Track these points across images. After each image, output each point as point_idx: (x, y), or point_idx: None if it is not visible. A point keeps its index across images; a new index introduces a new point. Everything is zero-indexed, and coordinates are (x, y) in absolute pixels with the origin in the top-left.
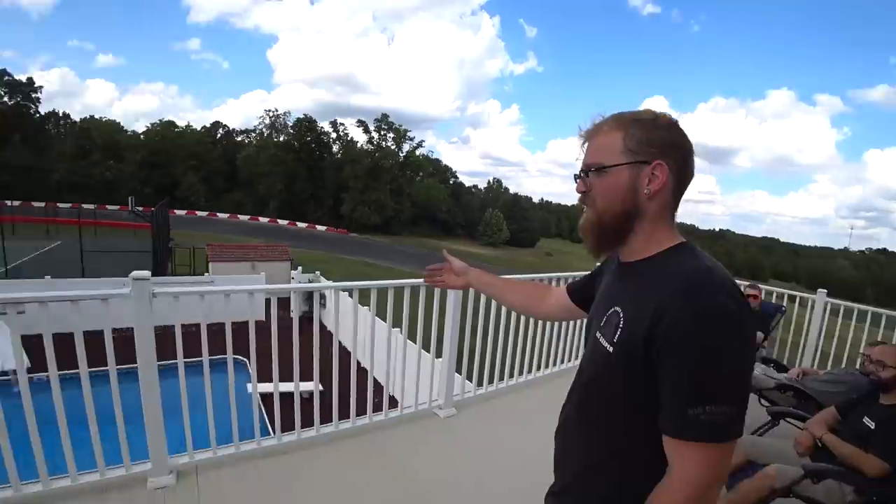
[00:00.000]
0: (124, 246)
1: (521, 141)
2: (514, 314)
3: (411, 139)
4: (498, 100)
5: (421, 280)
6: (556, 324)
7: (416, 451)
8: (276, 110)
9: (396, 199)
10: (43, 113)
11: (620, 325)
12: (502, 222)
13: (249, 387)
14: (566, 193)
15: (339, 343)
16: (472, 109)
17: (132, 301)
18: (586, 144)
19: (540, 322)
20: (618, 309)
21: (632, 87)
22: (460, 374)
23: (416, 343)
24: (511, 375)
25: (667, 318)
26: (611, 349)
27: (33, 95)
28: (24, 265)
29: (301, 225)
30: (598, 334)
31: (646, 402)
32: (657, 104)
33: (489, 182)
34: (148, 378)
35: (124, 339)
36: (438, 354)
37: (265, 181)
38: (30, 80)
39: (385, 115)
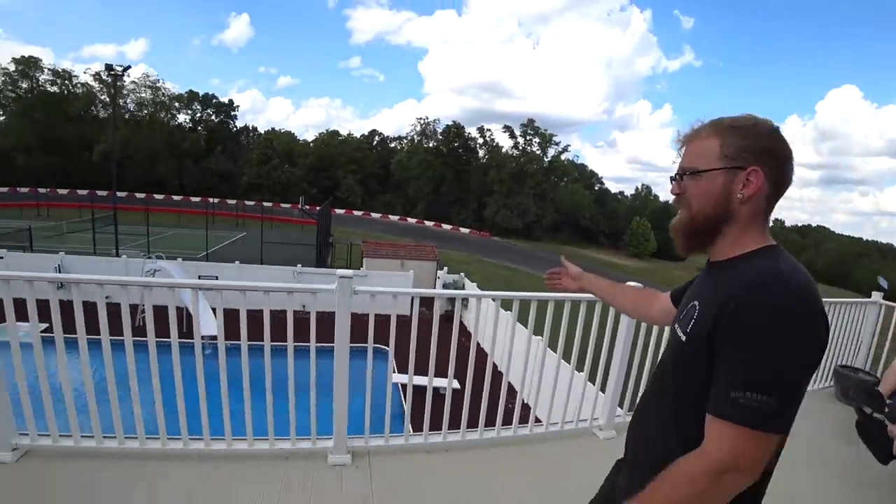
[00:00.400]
0: (294, 239)
1: (673, 144)
2: None
3: (557, 144)
4: (649, 100)
5: (583, 295)
6: None
7: (573, 469)
8: (427, 118)
9: (539, 204)
10: (238, 127)
11: (694, 317)
12: (650, 232)
13: (393, 377)
14: None
15: (478, 344)
16: (619, 111)
17: (335, 294)
18: (684, 148)
19: None
20: (696, 303)
21: (812, 75)
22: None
23: (556, 354)
24: None
25: (729, 310)
26: (684, 338)
27: (232, 113)
28: (220, 250)
29: (446, 226)
30: (675, 325)
31: (704, 389)
32: (846, 95)
33: (637, 188)
34: (341, 362)
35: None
36: (581, 369)
37: (414, 184)
38: (230, 101)
39: (531, 121)
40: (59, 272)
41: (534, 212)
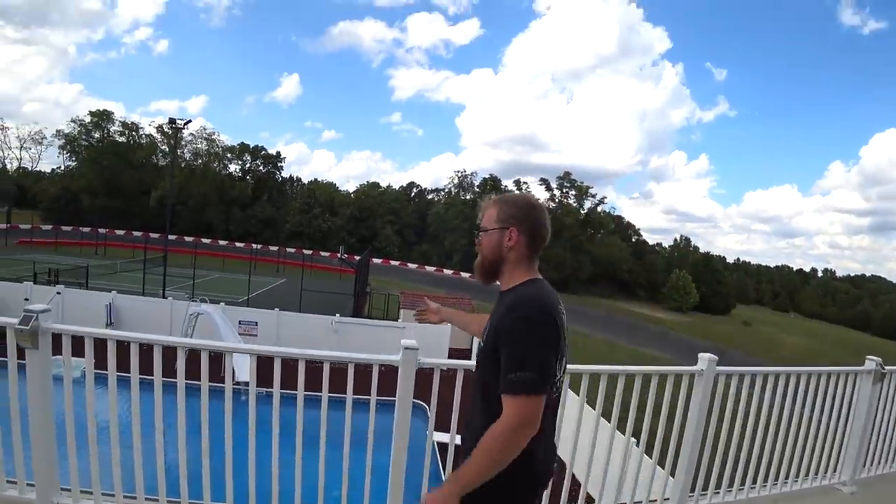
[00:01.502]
0: (332, 287)
1: (711, 194)
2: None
3: (593, 196)
4: (684, 150)
5: (655, 367)
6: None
7: None
8: (464, 170)
9: (576, 257)
10: (283, 177)
11: (486, 329)
12: (690, 285)
13: (433, 435)
14: (768, 253)
15: None
16: (654, 163)
17: (400, 364)
18: (481, 213)
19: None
20: (490, 321)
21: (854, 120)
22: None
23: (623, 434)
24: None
25: (500, 323)
26: (482, 345)
27: (279, 164)
28: (261, 296)
29: None
30: (483, 336)
31: (497, 377)
32: (891, 139)
33: (676, 240)
34: (400, 438)
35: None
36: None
37: (451, 236)
38: (277, 153)
39: (567, 173)
40: (110, 311)
41: (570, 265)
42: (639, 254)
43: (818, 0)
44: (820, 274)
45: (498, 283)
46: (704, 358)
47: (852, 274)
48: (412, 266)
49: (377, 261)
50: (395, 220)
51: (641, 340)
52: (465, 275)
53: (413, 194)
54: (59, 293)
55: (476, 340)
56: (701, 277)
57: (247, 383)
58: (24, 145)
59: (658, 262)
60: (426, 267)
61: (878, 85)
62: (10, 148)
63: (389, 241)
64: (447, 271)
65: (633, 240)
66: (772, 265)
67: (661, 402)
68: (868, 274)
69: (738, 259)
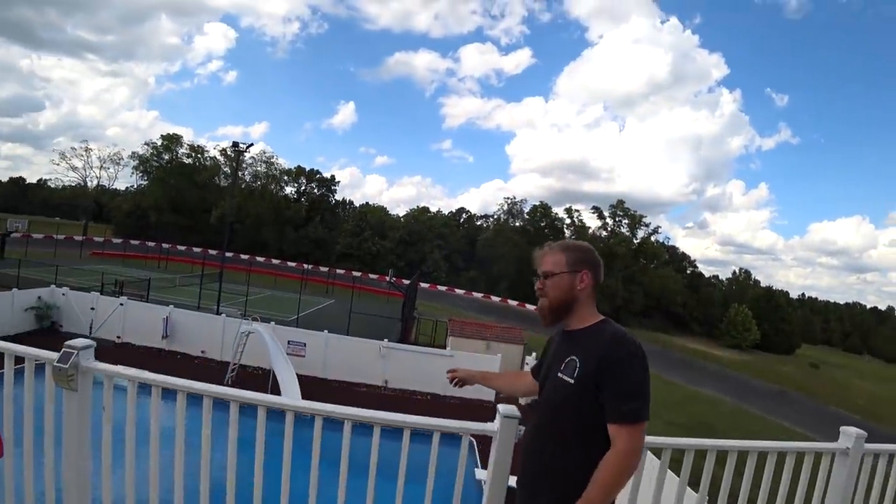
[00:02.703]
0: (379, 311)
1: (771, 225)
2: None
3: (646, 225)
4: (742, 179)
5: (779, 443)
6: None
7: None
8: (514, 197)
9: (628, 288)
10: (336, 200)
11: (578, 367)
12: (751, 321)
13: (477, 473)
14: (837, 289)
15: None
16: (710, 192)
17: (497, 435)
18: (540, 260)
19: None
20: (574, 358)
21: None
22: None
23: None
24: None
25: (606, 359)
26: (572, 382)
27: (332, 187)
28: (310, 315)
29: (530, 307)
30: (559, 374)
31: (593, 413)
32: None
33: (734, 273)
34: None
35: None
36: None
37: (499, 262)
38: (332, 176)
39: (621, 202)
40: (167, 324)
41: (622, 296)
42: (694, 286)
43: (886, 17)
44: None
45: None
46: (850, 434)
47: None
48: (459, 292)
49: (424, 285)
50: (443, 244)
51: (699, 379)
52: (512, 302)
53: (462, 220)
54: (122, 304)
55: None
56: (762, 313)
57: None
58: (104, 165)
59: (715, 296)
60: (473, 293)
61: None
62: (91, 168)
63: (437, 265)
64: (495, 298)
65: (688, 272)
66: (841, 302)
67: (779, 487)
68: None
69: (804, 294)
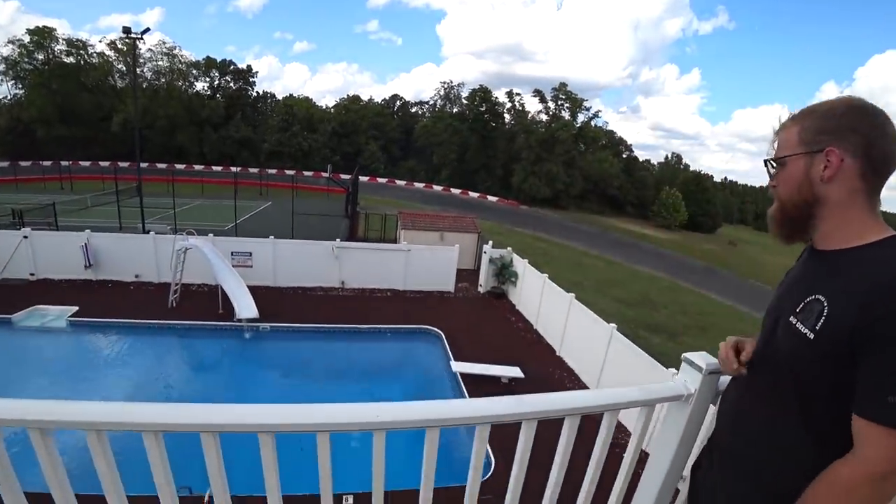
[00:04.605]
0: (321, 209)
1: (700, 111)
2: None
3: (587, 109)
4: (677, 64)
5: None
6: None
7: None
8: (451, 82)
9: (568, 172)
10: (257, 93)
11: (824, 315)
12: (680, 203)
13: (453, 365)
14: (751, 173)
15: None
16: (645, 76)
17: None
18: (775, 142)
19: None
20: (820, 298)
21: (855, 39)
22: None
23: None
24: None
25: (878, 313)
26: (811, 335)
27: (250, 80)
28: (247, 222)
29: (473, 194)
30: (793, 319)
31: (840, 386)
32: (890, 61)
33: (667, 157)
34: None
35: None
36: None
37: (439, 150)
38: (248, 67)
39: (563, 84)
40: (87, 252)
41: (562, 180)
42: (629, 170)
43: None
44: None
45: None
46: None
47: None
48: (400, 183)
49: (363, 179)
50: (378, 135)
51: (637, 257)
52: (455, 191)
53: (396, 108)
54: (25, 237)
55: None
56: (690, 196)
57: (250, 320)
58: None
59: (648, 179)
60: (415, 183)
61: (882, 3)
62: None
63: (375, 157)
64: (437, 187)
65: (624, 156)
66: (756, 185)
67: None
68: None
69: (725, 178)
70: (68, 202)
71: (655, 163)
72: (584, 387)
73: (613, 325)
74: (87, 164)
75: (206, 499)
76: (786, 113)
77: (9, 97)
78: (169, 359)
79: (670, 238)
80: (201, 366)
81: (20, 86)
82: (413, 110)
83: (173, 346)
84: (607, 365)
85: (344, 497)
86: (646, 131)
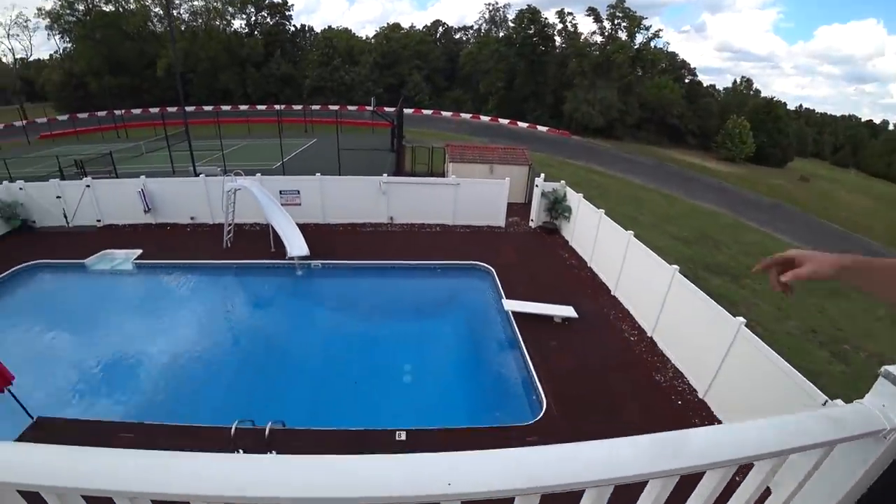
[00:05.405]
0: (367, 144)
1: (775, 28)
2: None
3: (646, 29)
4: None
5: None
6: None
7: None
8: (496, 3)
9: (623, 99)
10: (295, 27)
11: None
12: (748, 133)
13: (505, 303)
14: (831, 99)
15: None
16: None
17: None
18: None
19: None
20: None
21: None
22: None
23: None
24: None
25: None
26: None
27: (287, 13)
28: (293, 160)
29: (521, 124)
30: None
31: None
32: None
33: (734, 82)
34: None
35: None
36: None
37: (485, 79)
38: (283, 1)
39: (620, 1)
40: (144, 197)
41: (617, 107)
42: (692, 97)
43: None
44: (892, 127)
45: None
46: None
47: None
48: (446, 114)
49: (408, 111)
50: (422, 65)
51: (697, 192)
52: (503, 121)
53: (439, 35)
54: (88, 186)
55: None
56: (760, 125)
57: (301, 258)
58: (11, 33)
59: (711, 107)
60: (461, 114)
61: None
62: None
63: (419, 88)
64: (484, 118)
65: (686, 81)
66: (836, 114)
67: None
68: None
69: (801, 106)
70: (124, 150)
71: (721, 88)
72: (640, 331)
73: (676, 266)
74: (137, 111)
75: (267, 431)
76: (882, 30)
77: (59, 51)
78: (226, 297)
79: (734, 171)
80: (257, 303)
81: (67, 39)
82: (457, 37)
83: (230, 284)
84: (666, 309)
85: (397, 433)
86: (711, 53)
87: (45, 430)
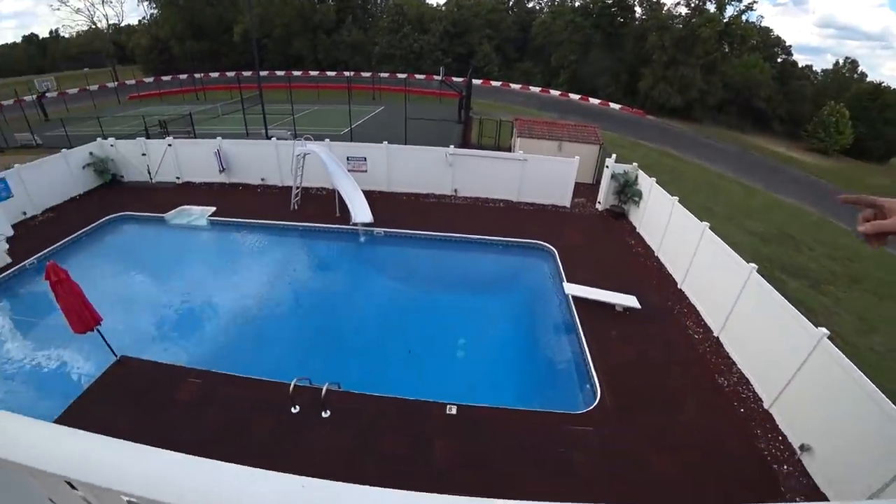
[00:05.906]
0: (433, 114)
1: (891, 2)
2: None
3: (738, 0)
4: None
5: None
6: None
7: None
8: None
9: (706, 78)
10: None
11: None
12: (846, 122)
13: (566, 287)
14: None
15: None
16: None
17: None
18: None
19: None
20: None
21: None
22: None
23: None
24: None
25: None
26: None
27: None
28: (361, 127)
29: (593, 101)
30: None
31: None
32: None
33: (836, 63)
34: None
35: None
36: None
37: (557, 51)
38: None
39: None
40: (220, 157)
41: (698, 87)
42: (783, 78)
43: None
44: None
45: None
46: None
47: None
48: (515, 86)
49: (477, 82)
50: (493, 34)
51: (780, 185)
52: (574, 96)
53: (511, 3)
54: (170, 145)
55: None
56: (862, 113)
57: (365, 224)
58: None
59: (806, 90)
60: (530, 87)
61: None
62: (94, 5)
63: (488, 59)
64: (554, 92)
65: (779, 60)
66: None
67: None
68: None
69: None
70: (202, 112)
71: (819, 70)
72: (706, 329)
73: (753, 265)
74: (215, 75)
75: (324, 391)
76: None
77: (147, 17)
78: (291, 258)
79: (826, 165)
80: (319, 266)
81: (154, 5)
82: (530, 5)
83: (295, 245)
84: (737, 310)
85: (448, 406)
86: (811, 29)
87: (126, 368)
